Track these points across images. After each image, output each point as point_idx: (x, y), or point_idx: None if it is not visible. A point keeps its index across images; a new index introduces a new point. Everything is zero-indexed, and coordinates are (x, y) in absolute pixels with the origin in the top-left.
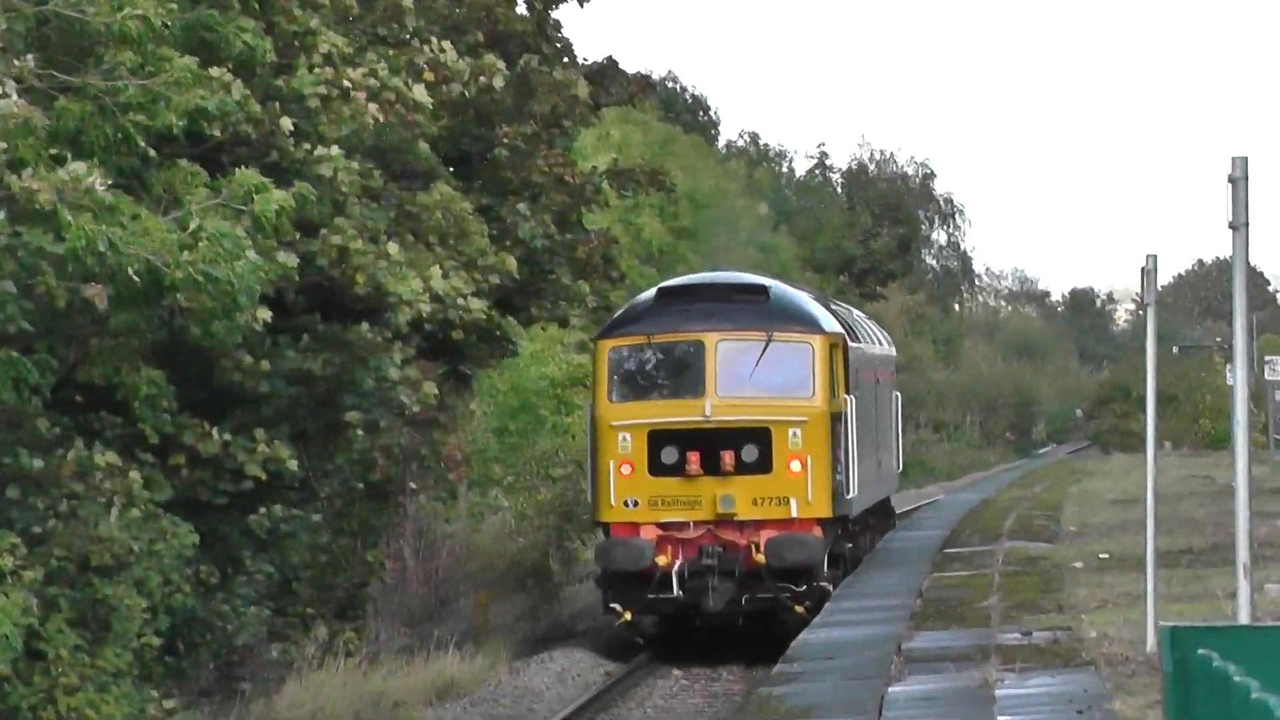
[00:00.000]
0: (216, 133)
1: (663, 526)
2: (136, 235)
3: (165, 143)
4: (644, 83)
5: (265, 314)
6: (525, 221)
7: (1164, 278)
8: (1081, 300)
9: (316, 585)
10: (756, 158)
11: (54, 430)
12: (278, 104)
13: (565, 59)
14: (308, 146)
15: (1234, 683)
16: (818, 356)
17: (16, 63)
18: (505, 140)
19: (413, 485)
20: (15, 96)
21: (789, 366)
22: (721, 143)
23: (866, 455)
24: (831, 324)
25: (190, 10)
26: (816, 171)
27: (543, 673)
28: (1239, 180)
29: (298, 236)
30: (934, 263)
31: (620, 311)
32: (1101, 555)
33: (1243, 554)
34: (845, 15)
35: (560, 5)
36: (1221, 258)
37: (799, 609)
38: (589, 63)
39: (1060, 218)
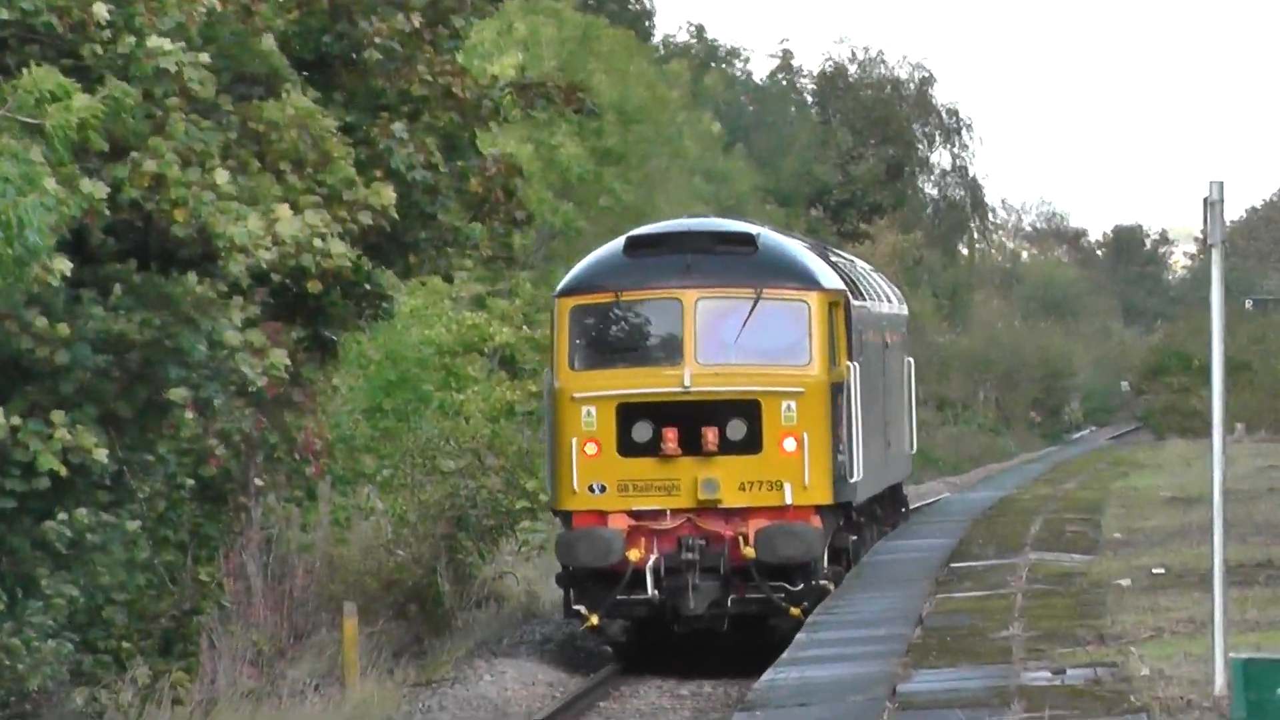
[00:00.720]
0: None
1: (634, 515)
2: None
3: None
4: None
5: (64, 264)
6: (403, 146)
7: (1233, 212)
8: (1127, 241)
9: (134, 612)
10: (703, 58)
11: None
12: None
13: None
14: (131, 39)
15: None
16: (815, 316)
17: None
18: (377, 40)
19: (259, 482)
20: None
21: (781, 328)
22: (658, 38)
23: (873, 433)
24: (831, 278)
25: None
26: (780, 76)
27: (477, 693)
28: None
29: (105, 161)
30: (934, 192)
31: (582, 265)
32: (1154, 570)
33: None
34: None
35: None
36: None
37: (795, 612)
38: None
39: (1097, 138)
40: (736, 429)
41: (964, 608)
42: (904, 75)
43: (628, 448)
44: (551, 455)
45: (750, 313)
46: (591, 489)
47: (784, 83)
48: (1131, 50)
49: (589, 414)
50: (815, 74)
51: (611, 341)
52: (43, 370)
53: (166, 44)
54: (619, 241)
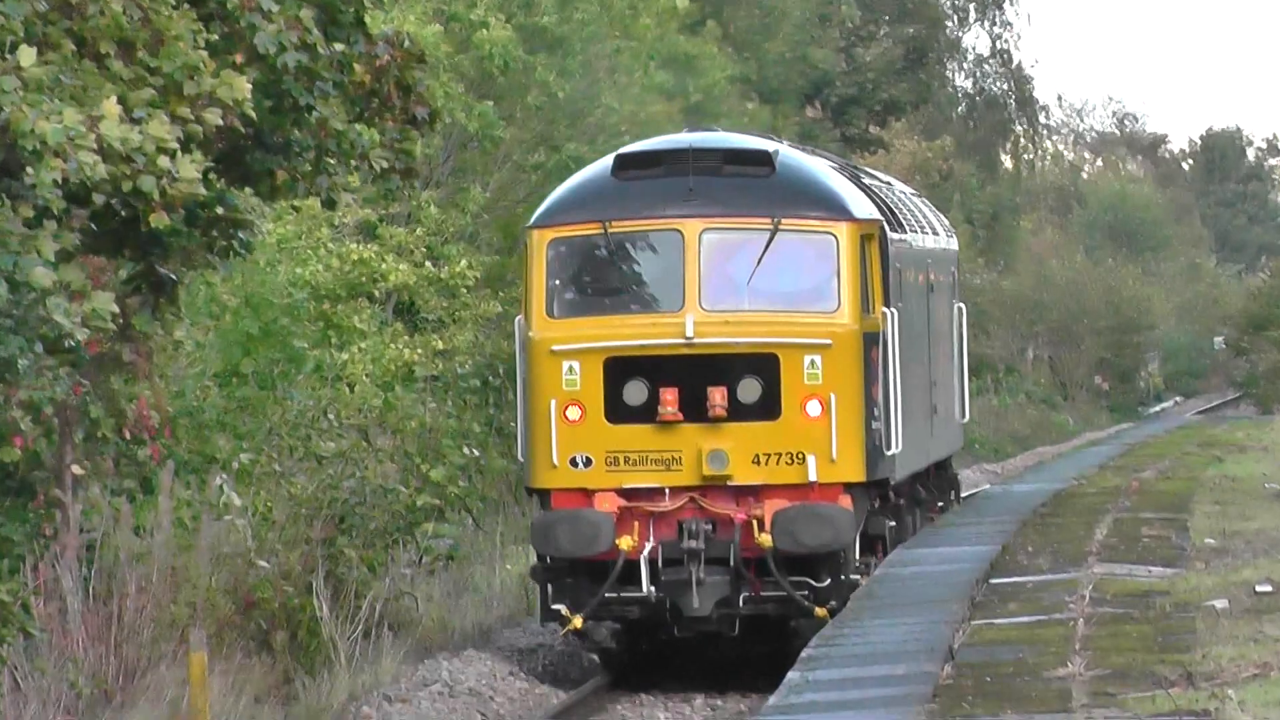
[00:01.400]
0: None
1: (626, 495)
2: None
3: None
4: None
5: None
6: (268, 23)
7: None
8: (1222, 151)
9: None
10: None
11: None
12: None
13: None
14: None
15: None
16: (845, 252)
17: None
18: None
19: (76, 470)
20: None
21: (804, 267)
22: None
23: (915, 395)
24: (863, 206)
25: None
26: None
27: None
28: None
29: None
30: (968, 85)
31: (563, 189)
32: (1259, 588)
33: None
34: None
35: None
36: None
37: (820, 612)
38: None
39: (1182, 15)
40: (750, 389)
41: (1009, 638)
42: None
43: (618, 412)
44: (525, 421)
45: (766, 247)
46: (574, 463)
47: None
48: None
49: (571, 371)
50: None
51: (598, 282)
52: None
53: None
54: (606, 161)
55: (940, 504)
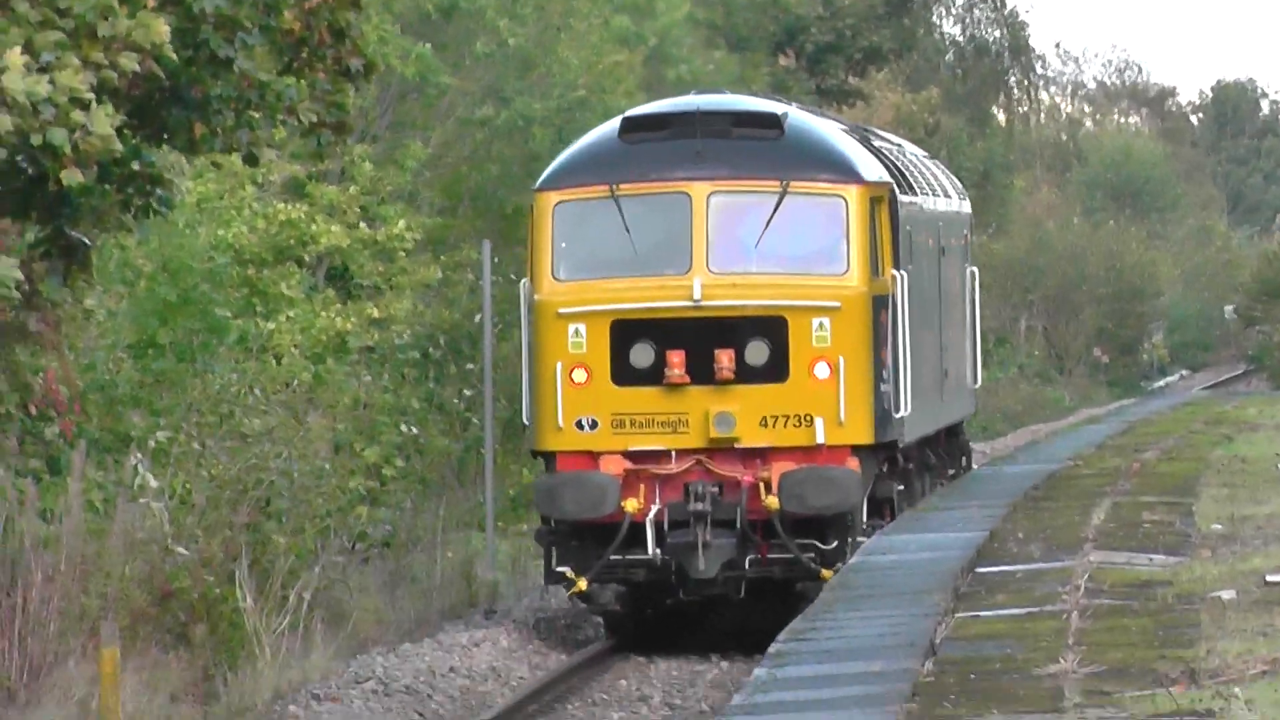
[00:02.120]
0: None
1: (632, 458)
2: None
3: None
4: None
5: None
6: None
7: None
8: (1234, 104)
9: None
10: None
11: None
12: None
13: None
14: None
15: None
16: (854, 215)
17: None
18: None
19: None
20: None
21: (812, 230)
22: None
23: (925, 358)
24: (873, 168)
25: None
26: None
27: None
28: None
29: None
30: (956, 32)
31: (569, 152)
32: (1270, 579)
33: None
34: None
35: None
36: None
37: (827, 574)
38: None
39: None
40: (757, 352)
41: (996, 631)
42: None
43: (624, 375)
44: (531, 384)
45: (775, 210)
46: (580, 425)
47: None
48: None
49: (577, 333)
50: None
51: (605, 245)
52: None
53: None
54: (614, 123)
55: (951, 470)
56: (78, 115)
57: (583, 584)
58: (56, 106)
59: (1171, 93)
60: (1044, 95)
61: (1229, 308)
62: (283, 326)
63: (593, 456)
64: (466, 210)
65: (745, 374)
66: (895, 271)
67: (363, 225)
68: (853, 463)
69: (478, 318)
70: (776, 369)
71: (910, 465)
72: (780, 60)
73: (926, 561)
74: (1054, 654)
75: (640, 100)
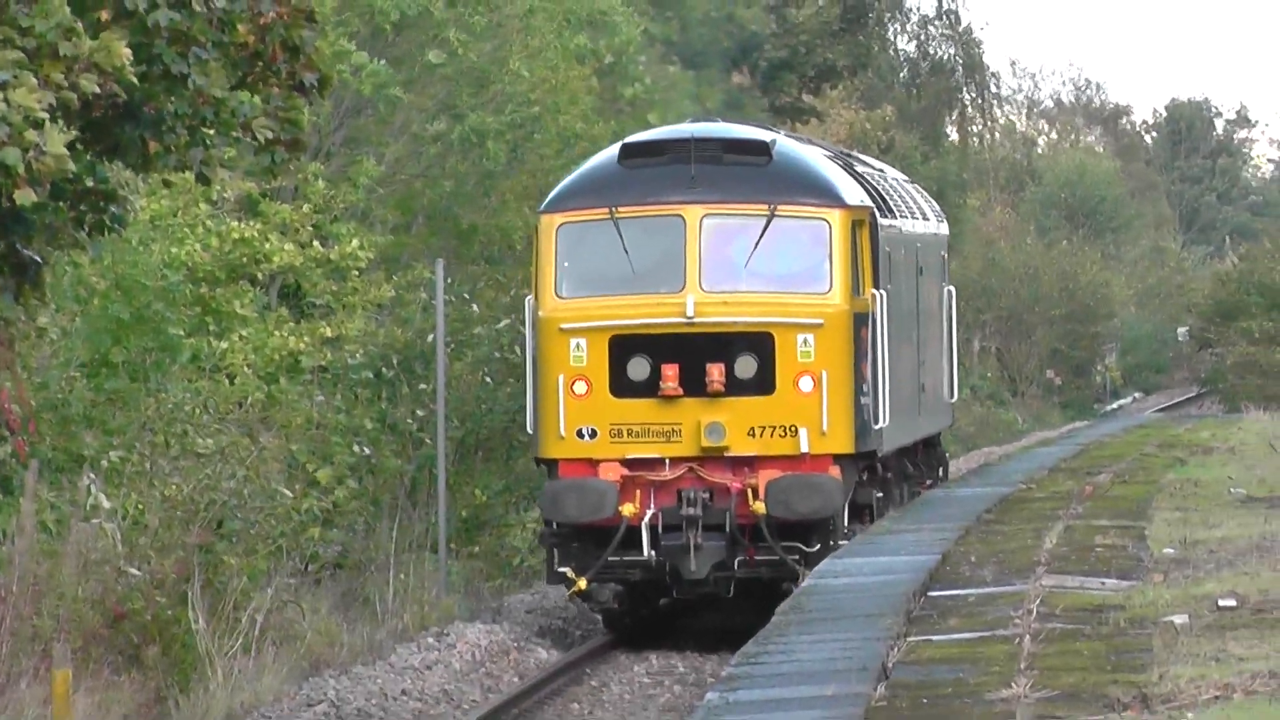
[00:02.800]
0: None
1: (629, 465)
2: None
3: None
4: None
5: None
6: None
7: None
8: (1189, 123)
9: None
10: None
11: None
12: None
13: None
14: None
15: None
16: (837, 237)
17: None
18: None
19: None
20: None
21: (798, 251)
22: None
23: (903, 373)
24: (855, 193)
25: None
26: None
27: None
28: None
29: None
30: (911, 49)
31: (572, 177)
32: (1222, 603)
33: None
34: None
35: None
36: None
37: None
38: None
39: None
40: (746, 366)
41: (948, 655)
42: None
43: (622, 387)
44: (534, 395)
45: (763, 232)
46: (580, 434)
47: None
48: None
49: (578, 347)
50: None
51: (605, 265)
52: None
53: None
54: (613, 149)
55: (929, 481)
56: (31, 135)
57: (583, 583)
58: (11, 126)
59: (1127, 111)
60: (998, 113)
61: (1182, 329)
62: (236, 345)
63: (592, 464)
64: (420, 228)
65: (734, 386)
66: (875, 290)
67: (316, 243)
68: (835, 470)
69: (431, 337)
70: (764, 382)
71: (889, 474)
72: (735, 77)
73: (879, 584)
74: (1006, 678)
75: (595, 118)
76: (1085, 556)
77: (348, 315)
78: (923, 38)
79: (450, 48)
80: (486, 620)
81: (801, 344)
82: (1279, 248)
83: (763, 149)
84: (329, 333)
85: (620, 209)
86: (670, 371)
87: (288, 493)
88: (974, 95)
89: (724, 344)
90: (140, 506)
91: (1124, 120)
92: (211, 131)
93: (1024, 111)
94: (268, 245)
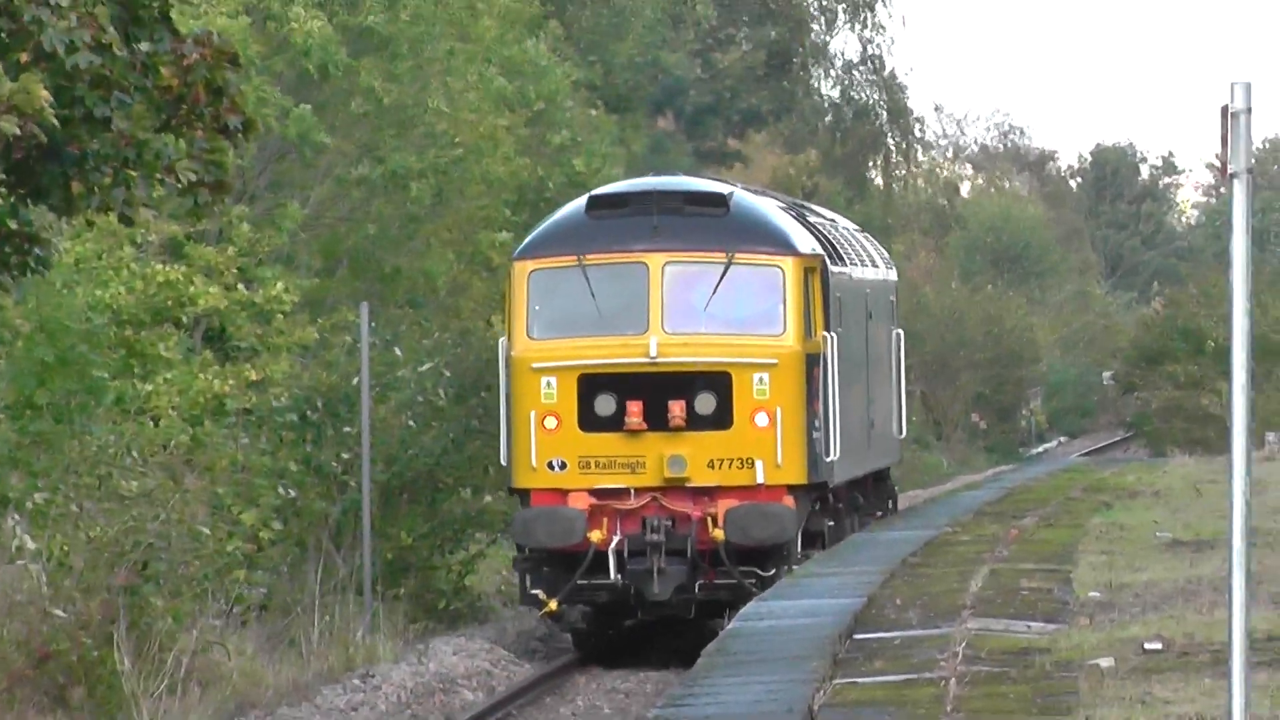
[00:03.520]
0: None
1: (597, 494)
2: None
3: None
4: None
5: None
6: (60, 18)
7: (1264, 129)
8: (1114, 169)
9: None
10: None
11: None
12: None
13: None
14: None
15: None
16: (790, 283)
17: None
18: None
19: None
20: None
21: (753, 296)
22: None
23: (853, 410)
24: (807, 241)
25: None
26: None
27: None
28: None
29: None
30: (835, 94)
31: (542, 226)
32: (1148, 646)
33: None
34: None
35: None
36: None
37: None
38: None
39: (1072, 29)
40: (705, 402)
41: (874, 698)
42: None
43: (589, 422)
44: (507, 430)
45: (721, 278)
46: (551, 466)
47: None
48: None
49: (549, 385)
50: None
51: (573, 308)
52: None
53: None
54: (581, 201)
55: (879, 512)
56: None
57: (553, 605)
58: None
59: (1052, 156)
60: (923, 158)
61: (1107, 374)
62: (160, 388)
63: (562, 493)
64: (344, 271)
65: (695, 422)
66: (826, 333)
67: (240, 286)
68: (789, 500)
69: (355, 380)
70: (722, 417)
71: (840, 504)
72: (659, 122)
73: (805, 627)
74: None
75: (520, 165)
76: (1011, 600)
77: (273, 358)
78: (847, 83)
79: (375, 96)
80: (412, 662)
81: (757, 382)
82: (1203, 293)
83: (720, 201)
84: (254, 375)
85: (588, 256)
86: (635, 408)
87: (206, 530)
88: (898, 140)
89: (685, 382)
90: (65, 548)
91: (1049, 165)
92: (135, 173)
93: (950, 156)
94: (192, 288)
